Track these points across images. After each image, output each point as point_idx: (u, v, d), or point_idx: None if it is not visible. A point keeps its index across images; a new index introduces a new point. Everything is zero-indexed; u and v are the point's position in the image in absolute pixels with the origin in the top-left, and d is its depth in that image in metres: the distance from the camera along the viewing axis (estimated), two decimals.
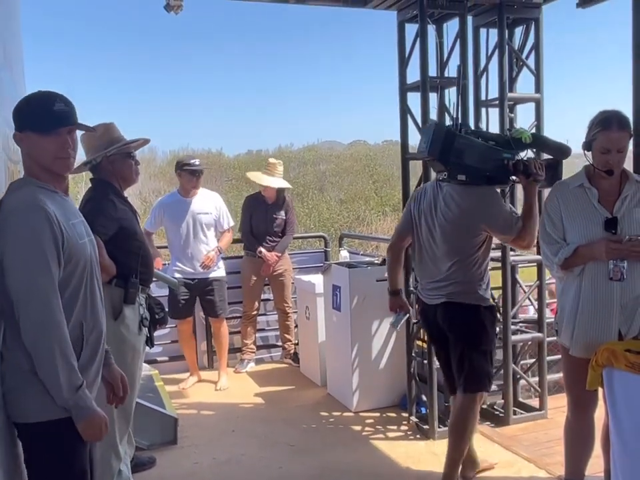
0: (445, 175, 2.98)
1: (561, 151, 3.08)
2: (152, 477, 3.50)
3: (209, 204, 5.01)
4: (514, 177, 2.98)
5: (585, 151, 2.64)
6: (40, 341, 1.71)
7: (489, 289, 3.09)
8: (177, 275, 4.83)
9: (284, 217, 5.41)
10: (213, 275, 4.95)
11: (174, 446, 3.89)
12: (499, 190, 3.21)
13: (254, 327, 5.51)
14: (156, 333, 3.29)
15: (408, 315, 3.38)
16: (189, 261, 4.90)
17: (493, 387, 4.24)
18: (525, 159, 2.95)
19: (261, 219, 5.34)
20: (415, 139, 4.02)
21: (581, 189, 2.66)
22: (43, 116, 1.82)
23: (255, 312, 5.47)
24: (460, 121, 3.01)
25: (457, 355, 3.06)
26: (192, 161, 4.95)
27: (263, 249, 5.26)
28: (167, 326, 3.82)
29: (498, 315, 3.17)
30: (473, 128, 3.03)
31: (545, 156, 3.22)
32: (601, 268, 2.56)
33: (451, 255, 3.03)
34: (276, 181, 5.32)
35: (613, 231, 2.55)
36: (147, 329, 3.09)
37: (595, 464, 2.87)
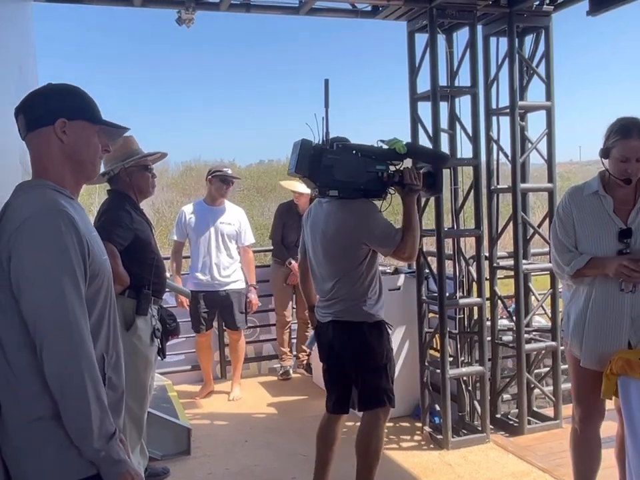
0: (316, 192, 2.92)
1: (438, 159, 3.03)
2: None
3: (232, 216, 5.02)
4: (391, 189, 2.93)
5: (602, 159, 2.59)
6: (69, 376, 1.38)
7: (378, 305, 3.01)
8: (193, 288, 4.85)
9: None
10: (231, 287, 4.94)
11: (187, 456, 3.90)
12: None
13: (289, 333, 5.52)
14: (168, 344, 3.31)
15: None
16: (208, 270, 4.88)
17: (507, 396, 4.25)
18: (401, 169, 2.90)
19: (292, 230, 5.27)
20: None
21: (596, 196, 2.61)
22: (97, 109, 1.65)
23: (289, 318, 5.47)
24: (332, 136, 2.88)
25: (352, 374, 3.01)
26: (224, 169, 5.00)
27: (293, 261, 5.20)
28: (180, 337, 3.83)
29: (389, 330, 3.08)
30: (352, 142, 2.92)
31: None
32: (613, 279, 2.53)
33: (334, 273, 2.98)
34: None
35: (627, 240, 2.52)
36: (158, 340, 3.11)
37: (609, 475, 2.85)
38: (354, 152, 2.88)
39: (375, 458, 3.03)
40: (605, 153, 2.57)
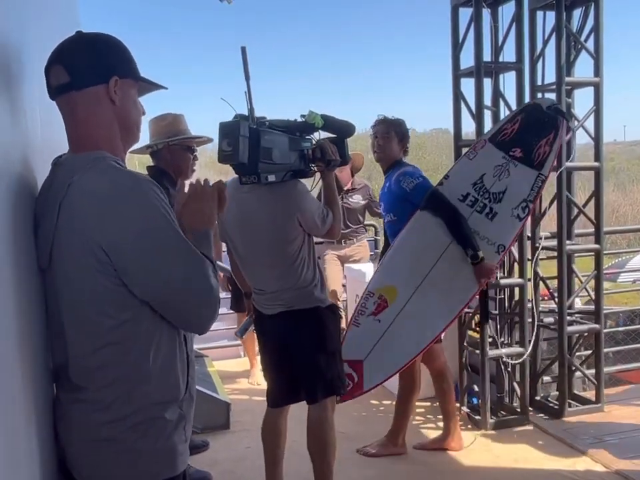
0: (254, 179, 2.52)
1: (347, 130, 2.85)
2: (205, 460, 3.57)
3: None
4: (313, 166, 2.75)
5: None
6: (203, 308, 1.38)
7: (324, 288, 2.84)
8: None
9: (362, 202, 5.31)
10: None
11: (226, 430, 3.97)
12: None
13: (345, 311, 5.38)
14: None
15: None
16: None
17: (547, 378, 4.20)
18: (319, 144, 2.72)
19: None
20: (468, 125, 3.98)
21: None
22: (136, 63, 1.45)
23: (340, 298, 5.31)
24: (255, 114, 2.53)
25: (304, 363, 2.80)
26: None
27: None
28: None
29: (340, 313, 2.89)
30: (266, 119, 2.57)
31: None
32: None
33: (275, 263, 2.73)
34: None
35: None
36: None
37: None
38: (282, 130, 2.62)
39: (333, 452, 2.87)
40: None
